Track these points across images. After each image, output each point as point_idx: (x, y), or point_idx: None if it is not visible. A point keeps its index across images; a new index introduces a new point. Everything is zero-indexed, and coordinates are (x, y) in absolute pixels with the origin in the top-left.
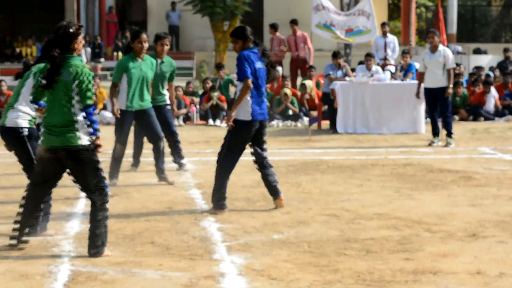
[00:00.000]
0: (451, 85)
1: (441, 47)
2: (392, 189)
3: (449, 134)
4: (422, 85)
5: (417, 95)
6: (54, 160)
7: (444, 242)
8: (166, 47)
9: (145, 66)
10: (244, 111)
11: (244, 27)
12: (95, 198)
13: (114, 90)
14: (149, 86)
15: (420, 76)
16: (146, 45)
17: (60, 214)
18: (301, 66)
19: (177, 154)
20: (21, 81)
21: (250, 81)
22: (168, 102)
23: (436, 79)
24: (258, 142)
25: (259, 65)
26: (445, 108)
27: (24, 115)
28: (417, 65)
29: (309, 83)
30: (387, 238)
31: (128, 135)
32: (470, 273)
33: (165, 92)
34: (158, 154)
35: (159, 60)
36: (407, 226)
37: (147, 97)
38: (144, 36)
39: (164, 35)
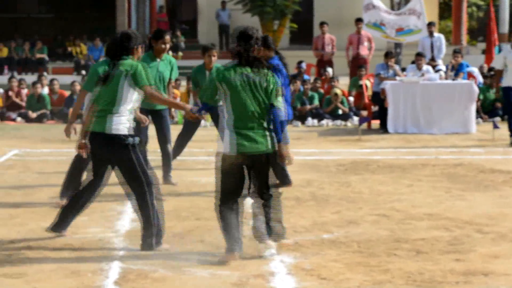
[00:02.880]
0: None
1: None
2: (442, 189)
3: None
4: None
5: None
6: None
7: (496, 243)
8: (214, 58)
9: (162, 66)
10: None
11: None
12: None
13: None
14: (166, 86)
15: (500, 75)
16: (168, 46)
17: (111, 212)
18: (362, 65)
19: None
20: (113, 84)
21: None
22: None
23: None
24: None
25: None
26: None
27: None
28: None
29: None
30: (437, 239)
31: (144, 134)
32: None
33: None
34: (166, 158)
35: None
36: (458, 226)
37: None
38: (168, 37)
39: (212, 46)
